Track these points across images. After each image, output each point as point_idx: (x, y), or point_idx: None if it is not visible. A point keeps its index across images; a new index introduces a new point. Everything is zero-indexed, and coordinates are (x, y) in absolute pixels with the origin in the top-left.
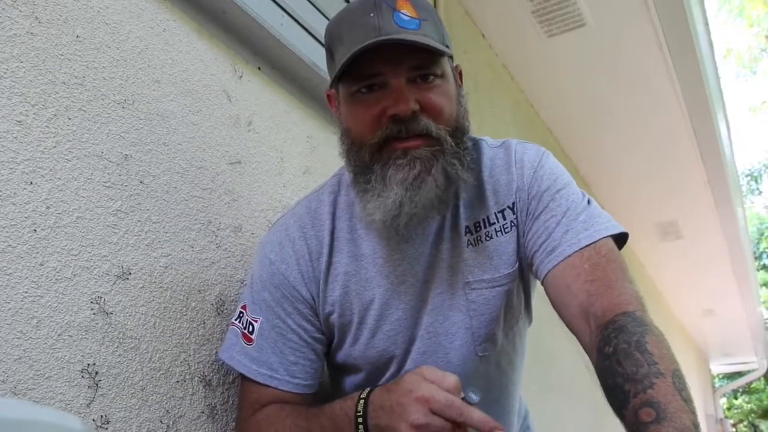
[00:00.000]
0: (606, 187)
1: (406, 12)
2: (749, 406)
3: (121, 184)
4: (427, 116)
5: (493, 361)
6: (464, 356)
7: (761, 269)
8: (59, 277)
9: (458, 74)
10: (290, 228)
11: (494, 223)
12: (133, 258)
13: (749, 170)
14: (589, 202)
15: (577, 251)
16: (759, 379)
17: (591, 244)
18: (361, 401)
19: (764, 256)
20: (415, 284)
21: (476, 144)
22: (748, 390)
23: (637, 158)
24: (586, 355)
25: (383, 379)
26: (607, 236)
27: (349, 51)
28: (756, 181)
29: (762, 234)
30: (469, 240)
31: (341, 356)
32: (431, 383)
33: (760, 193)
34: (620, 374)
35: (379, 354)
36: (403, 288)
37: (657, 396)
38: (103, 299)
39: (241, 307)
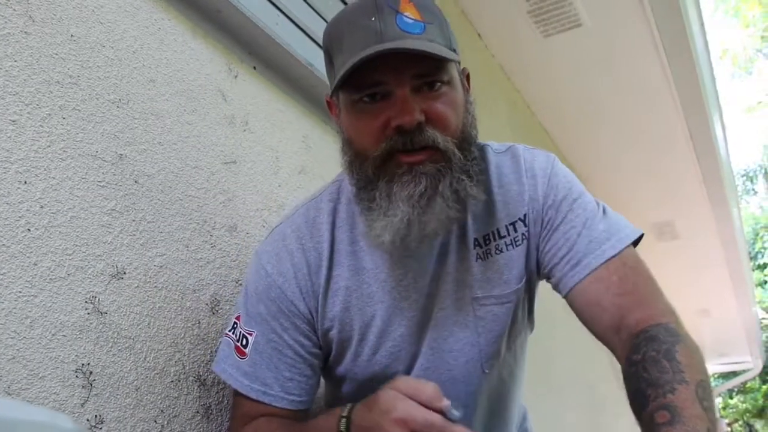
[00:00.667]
0: (602, 187)
1: (410, 15)
2: (744, 405)
3: (116, 184)
4: (432, 127)
5: (496, 374)
6: (469, 372)
7: (756, 269)
8: (53, 277)
9: (465, 78)
10: (288, 238)
11: (505, 237)
12: (127, 258)
13: (745, 170)
14: (603, 209)
15: (602, 264)
16: (754, 378)
17: (616, 255)
18: (343, 420)
19: (759, 256)
20: (418, 300)
21: (481, 150)
22: (743, 390)
23: (633, 158)
24: (602, 365)
25: None
26: (629, 244)
27: (350, 58)
28: (751, 181)
29: (757, 234)
30: (478, 254)
31: (341, 371)
32: (408, 399)
33: (756, 193)
34: (645, 380)
35: (381, 369)
36: (406, 304)
37: (676, 401)
38: (97, 299)
39: (236, 318)
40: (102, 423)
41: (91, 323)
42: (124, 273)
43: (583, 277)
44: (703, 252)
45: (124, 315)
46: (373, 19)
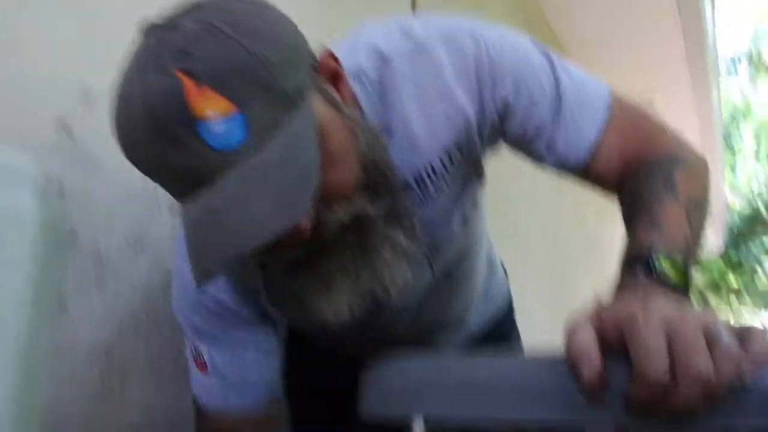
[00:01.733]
0: (583, 56)
1: (213, 112)
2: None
3: None
4: (329, 209)
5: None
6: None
7: (729, 153)
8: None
9: (330, 76)
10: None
11: (439, 171)
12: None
13: (731, 58)
14: (557, 67)
15: (593, 142)
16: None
17: (602, 126)
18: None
19: (733, 140)
20: None
21: (384, 66)
22: (702, 266)
23: (618, 29)
24: (568, 218)
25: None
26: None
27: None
28: (735, 66)
29: (734, 119)
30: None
31: None
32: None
33: (737, 75)
34: (638, 198)
35: None
36: None
37: (661, 212)
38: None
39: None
40: (75, 235)
41: (61, 143)
42: (94, 96)
43: (580, 165)
44: (679, 130)
45: (93, 136)
46: (161, 148)
